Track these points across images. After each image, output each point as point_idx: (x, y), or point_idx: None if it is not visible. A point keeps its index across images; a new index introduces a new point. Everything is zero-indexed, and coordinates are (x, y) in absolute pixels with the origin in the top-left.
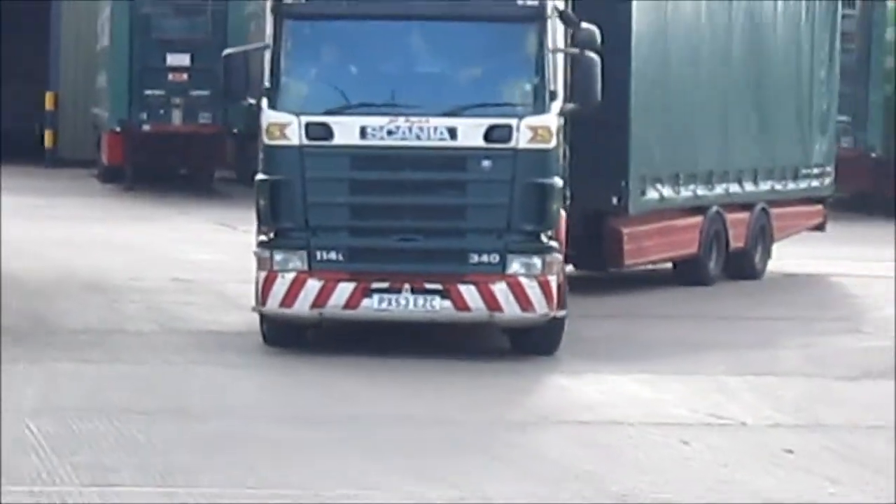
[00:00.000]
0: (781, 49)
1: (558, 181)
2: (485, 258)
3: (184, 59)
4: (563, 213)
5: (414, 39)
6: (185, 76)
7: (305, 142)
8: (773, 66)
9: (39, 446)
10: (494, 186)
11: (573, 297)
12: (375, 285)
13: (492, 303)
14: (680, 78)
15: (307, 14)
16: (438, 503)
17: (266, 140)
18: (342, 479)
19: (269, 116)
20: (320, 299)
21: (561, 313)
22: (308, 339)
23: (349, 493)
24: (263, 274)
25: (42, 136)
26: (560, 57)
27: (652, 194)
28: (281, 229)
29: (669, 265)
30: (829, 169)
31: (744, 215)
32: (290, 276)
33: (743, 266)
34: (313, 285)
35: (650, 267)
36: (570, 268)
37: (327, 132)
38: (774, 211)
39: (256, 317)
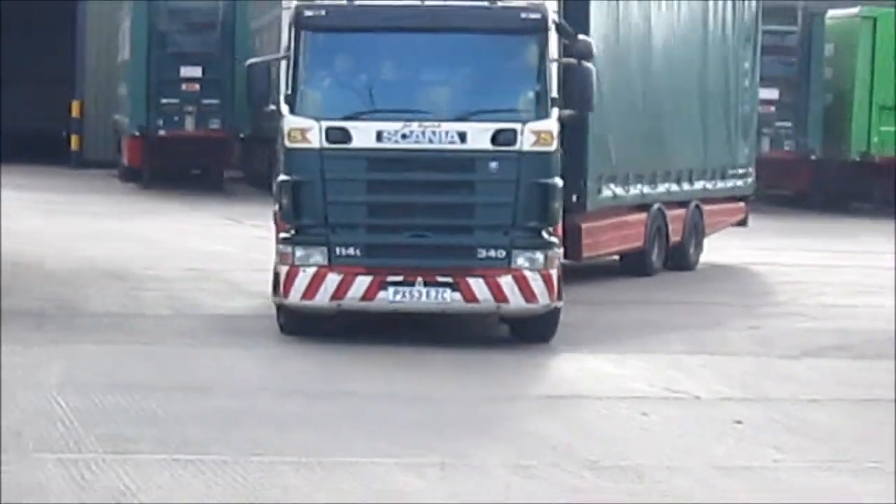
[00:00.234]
0: (712, 60)
1: (559, 181)
2: (492, 253)
3: (196, 71)
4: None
5: (425, 50)
6: (196, 86)
7: (325, 145)
8: (707, 76)
9: (66, 418)
10: (501, 186)
11: None
12: (391, 279)
13: (498, 295)
14: (631, 82)
15: (325, 26)
16: (422, 465)
17: (287, 143)
18: (337, 447)
19: (290, 121)
20: (339, 292)
21: (559, 303)
22: (322, 329)
23: (343, 461)
24: (285, 268)
25: (69, 140)
26: (554, 66)
27: (606, 192)
28: (302, 226)
29: (616, 258)
30: (751, 170)
31: (681, 212)
32: (312, 270)
33: (679, 258)
34: (333, 279)
35: (600, 261)
36: None
37: (346, 136)
38: (706, 208)
39: (262, 302)
